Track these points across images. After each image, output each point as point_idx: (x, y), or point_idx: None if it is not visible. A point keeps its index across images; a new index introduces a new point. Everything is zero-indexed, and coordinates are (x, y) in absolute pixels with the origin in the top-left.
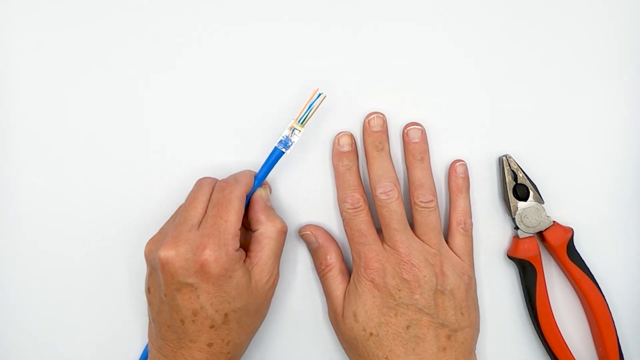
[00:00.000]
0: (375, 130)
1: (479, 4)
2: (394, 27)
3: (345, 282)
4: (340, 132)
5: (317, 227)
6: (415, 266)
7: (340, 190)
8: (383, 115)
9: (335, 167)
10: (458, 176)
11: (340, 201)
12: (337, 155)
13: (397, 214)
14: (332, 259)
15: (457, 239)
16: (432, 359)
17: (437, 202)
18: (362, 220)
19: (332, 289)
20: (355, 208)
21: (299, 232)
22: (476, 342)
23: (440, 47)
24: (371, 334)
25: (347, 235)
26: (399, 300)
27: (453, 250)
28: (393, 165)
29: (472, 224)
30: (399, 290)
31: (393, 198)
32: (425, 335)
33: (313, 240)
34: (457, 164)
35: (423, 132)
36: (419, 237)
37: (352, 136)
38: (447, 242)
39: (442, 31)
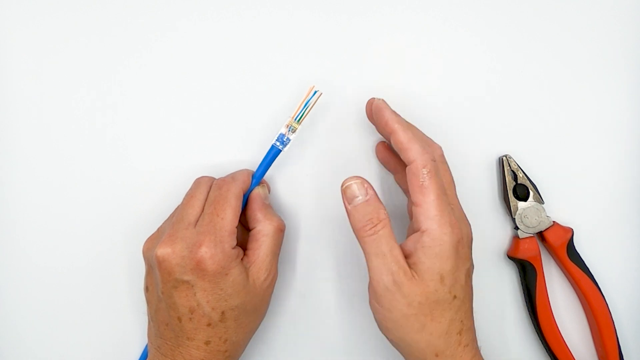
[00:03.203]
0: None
1: (481, 3)
2: (391, 23)
3: (395, 240)
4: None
5: (366, 179)
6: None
7: (418, 142)
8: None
9: (392, 122)
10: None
11: (423, 152)
12: (387, 110)
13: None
14: (385, 214)
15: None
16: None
17: None
18: (445, 178)
19: (388, 247)
20: (443, 159)
21: (343, 184)
22: None
23: (439, 46)
24: (455, 296)
25: (431, 191)
26: (469, 263)
27: None
28: None
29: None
30: (469, 253)
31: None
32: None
33: (364, 192)
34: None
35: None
36: None
37: None
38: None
39: (442, 29)
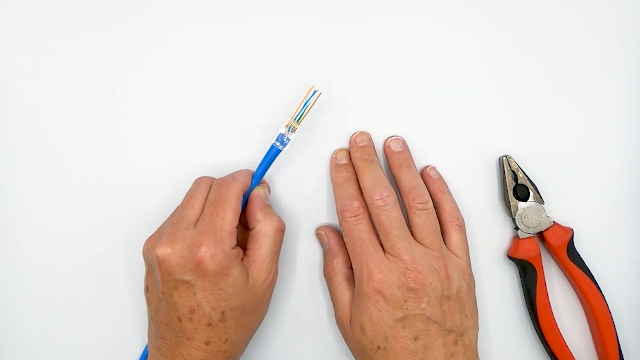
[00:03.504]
0: (362, 145)
1: (481, 3)
2: (391, 22)
3: (350, 289)
4: (337, 149)
5: (332, 229)
6: (421, 273)
7: (339, 201)
8: (367, 132)
9: (334, 180)
10: (434, 180)
11: (340, 211)
12: (335, 167)
13: (397, 220)
14: (339, 263)
15: (454, 236)
16: None
17: (432, 204)
18: (363, 229)
19: (337, 295)
20: (355, 216)
21: (316, 230)
22: None
23: (440, 45)
24: (379, 347)
25: (347, 247)
26: (405, 312)
27: (451, 250)
28: (385, 174)
29: (464, 220)
30: (405, 301)
31: (390, 204)
32: (433, 344)
33: (325, 241)
34: (428, 169)
35: (404, 143)
36: (419, 242)
37: (348, 151)
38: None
39: (443, 29)
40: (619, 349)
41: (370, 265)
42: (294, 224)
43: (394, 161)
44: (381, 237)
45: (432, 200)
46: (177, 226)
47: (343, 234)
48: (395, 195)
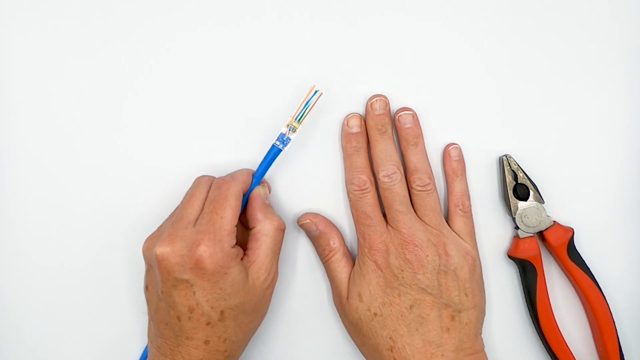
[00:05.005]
0: (377, 113)
1: (480, 4)
2: (391, 22)
3: (349, 265)
4: (350, 114)
5: (316, 215)
6: (418, 246)
7: (348, 172)
8: (385, 97)
9: (343, 148)
10: (452, 159)
11: (348, 182)
12: (345, 136)
13: (400, 196)
14: (336, 243)
15: (457, 221)
16: (435, 339)
17: (434, 184)
18: (368, 202)
19: (336, 272)
20: (361, 190)
21: (298, 221)
22: (481, 325)
23: (440, 46)
24: (375, 314)
25: (353, 217)
26: (401, 281)
27: (455, 232)
28: (396, 147)
29: (470, 205)
30: (402, 271)
31: (396, 181)
32: (428, 315)
33: (313, 228)
34: (451, 147)
35: (415, 117)
36: (420, 218)
37: (361, 117)
38: (448, 225)
39: (443, 29)
40: (620, 349)
41: (372, 236)
42: (294, 224)
43: (402, 136)
44: (385, 210)
45: (446, 180)
46: (177, 225)
47: (349, 204)
48: (403, 172)
